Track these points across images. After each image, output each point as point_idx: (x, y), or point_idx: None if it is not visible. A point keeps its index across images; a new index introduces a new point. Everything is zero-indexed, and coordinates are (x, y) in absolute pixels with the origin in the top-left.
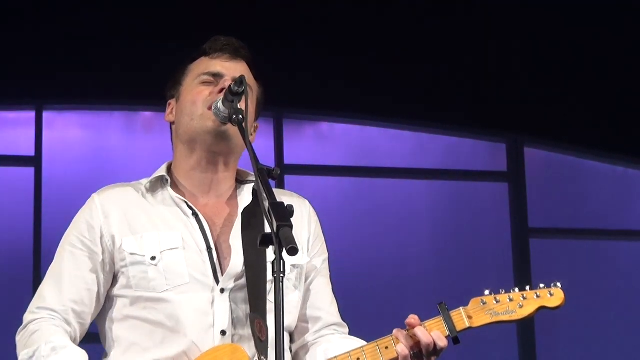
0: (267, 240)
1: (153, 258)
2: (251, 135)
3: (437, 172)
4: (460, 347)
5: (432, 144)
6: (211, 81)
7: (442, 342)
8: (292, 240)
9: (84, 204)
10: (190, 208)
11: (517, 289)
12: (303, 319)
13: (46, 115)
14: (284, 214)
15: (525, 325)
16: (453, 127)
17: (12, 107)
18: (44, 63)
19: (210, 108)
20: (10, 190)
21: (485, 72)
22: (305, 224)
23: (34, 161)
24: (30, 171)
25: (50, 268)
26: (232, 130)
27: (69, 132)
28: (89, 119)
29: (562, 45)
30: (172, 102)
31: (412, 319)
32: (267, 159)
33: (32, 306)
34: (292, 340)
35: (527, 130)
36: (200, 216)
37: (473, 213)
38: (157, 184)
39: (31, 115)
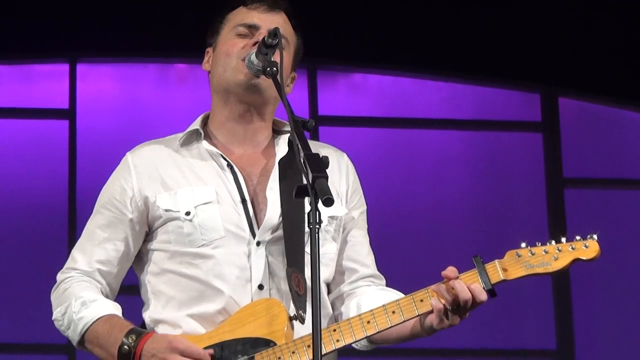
0: (302, 192)
1: (187, 213)
2: (288, 86)
3: (470, 123)
4: (495, 299)
5: (465, 95)
6: (246, 33)
7: (482, 296)
8: (327, 191)
9: (117, 156)
10: (226, 160)
11: (552, 242)
12: (340, 270)
13: (80, 67)
14: (320, 165)
15: (561, 275)
16: (487, 77)
17: (47, 60)
18: (78, 16)
19: (243, 60)
20: (45, 143)
21: (519, 21)
22: (344, 176)
23: (68, 114)
24: (64, 124)
25: (84, 229)
26: (265, 82)
27: (102, 84)
28: (123, 71)
29: None
30: (210, 50)
31: (450, 271)
32: (301, 110)
33: (64, 267)
34: (328, 291)
35: (561, 80)
36: (235, 168)
37: (507, 164)
38: (192, 137)
39: (65, 68)
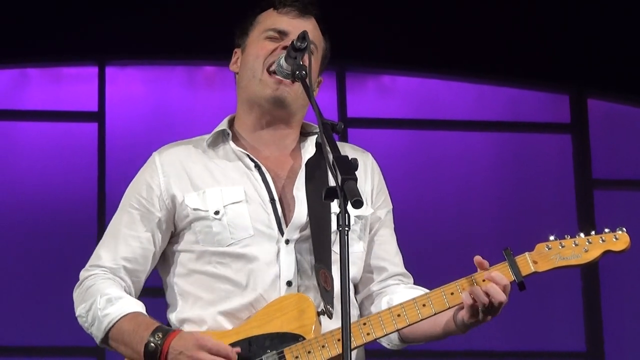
0: (331, 194)
1: (217, 212)
2: (314, 90)
3: (499, 124)
4: (524, 293)
5: (494, 96)
6: (276, 37)
7: (503, 281)
8: (356, 193)
9: (146, 159)
10: (253, 161)
11: (582, 234)
12: (368, 269)
13: (109, 70)
14: (349, 167)
15: (590, 276)
16: (516, 78)
17: (75, 63)
18: (106, 18)
19: (269, 72)
20: (74, 146)
21: (548, 23)
22: (369, 176)
23: (97, 117)
24: (93, 127)
25: (108, 227)
26: (291, 96)
27: (131, 87)
28: (151, 73)
29: None
30: (238, 51)
31: (482, 264)
32: (330, 112)
33: (87, 264)
34: (357, 291)
35: (590, 81)
36: (263, 168)
37: (536, 165)
38: (219, 139)
39: (94, 71)
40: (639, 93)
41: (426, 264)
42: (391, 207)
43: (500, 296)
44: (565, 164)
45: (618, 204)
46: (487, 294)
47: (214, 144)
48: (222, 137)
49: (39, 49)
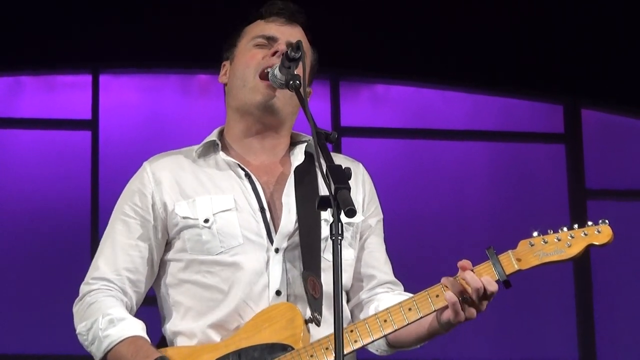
0: (324, 203)
1: (206, 221)
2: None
3: (493, 134)
4: (517, 291)
5: (489, 106)
6: (265, 44)
7: (492, 287)
8: (350, 202)
9: (139, 168)
10: (243, 170)
11: (565, 228)
12: (358, 277)
13: (103, 78)
14: (342, 176)
15: (583, 285)
16: (510, 88)
17: (69, 71)
18: (100, 27)
19: (262, 77)
20: (67, 154)
21: (542, 33)
22: (360, 185)
23: (91, 125)
24: (87, 135)
25: (103, 238)
26: (281, 102)
27: (125, 95)
28: (145, 82)
29: (620, 5)
30: (227, 63)
31: (465, 262)
32: (324, 121)
33: (87, 277)
34: (347, 299)
35: (584, 92)
36: (253, 177)
37: (530, 175)
38: (209, 149)
39: (88, 79)
40: (632, 104)
41: (419, 272)
42: (381, 216)
43: (492, 286)
44: (559, 173)
45: (611, 214)
46: (467, 282)
47: (203, 154)
48: (212, 147)
49: (33, 57)
